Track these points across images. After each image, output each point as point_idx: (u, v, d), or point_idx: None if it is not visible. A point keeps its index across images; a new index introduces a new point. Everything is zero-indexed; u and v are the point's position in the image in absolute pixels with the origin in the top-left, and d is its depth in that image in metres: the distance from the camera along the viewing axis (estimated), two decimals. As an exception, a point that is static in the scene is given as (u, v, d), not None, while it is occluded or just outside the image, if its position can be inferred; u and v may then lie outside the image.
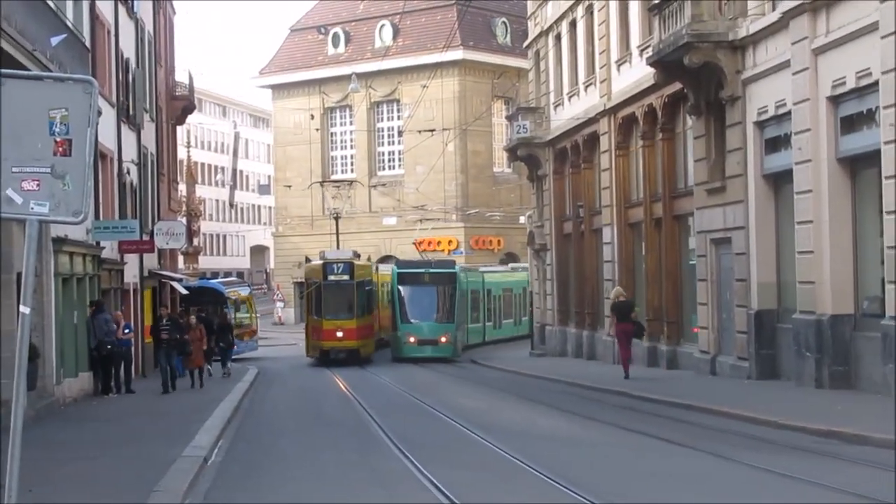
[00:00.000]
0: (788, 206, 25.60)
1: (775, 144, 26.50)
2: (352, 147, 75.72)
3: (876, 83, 21.38)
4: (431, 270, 48.99)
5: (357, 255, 48.43)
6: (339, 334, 44.53)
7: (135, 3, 38.95)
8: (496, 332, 58.42)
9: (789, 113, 24.94)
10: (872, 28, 21.28)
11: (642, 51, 33.70)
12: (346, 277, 45.26)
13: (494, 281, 59.36)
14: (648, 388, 27.13)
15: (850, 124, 23.14)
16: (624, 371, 30.83)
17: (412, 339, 46.70)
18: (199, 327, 33.55)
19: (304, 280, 53.40)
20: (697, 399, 23.39)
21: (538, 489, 13.35)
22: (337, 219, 61.70)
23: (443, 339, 46.65)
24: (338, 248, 57.64)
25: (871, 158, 21.93)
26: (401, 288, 48.10)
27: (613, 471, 15.12)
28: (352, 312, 44.98)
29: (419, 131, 68.11)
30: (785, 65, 25.02)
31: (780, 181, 26.39)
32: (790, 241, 25.50)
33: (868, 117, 22.16)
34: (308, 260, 56.87)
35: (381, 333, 50.74)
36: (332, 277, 45.16)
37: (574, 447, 17.91)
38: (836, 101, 23.38)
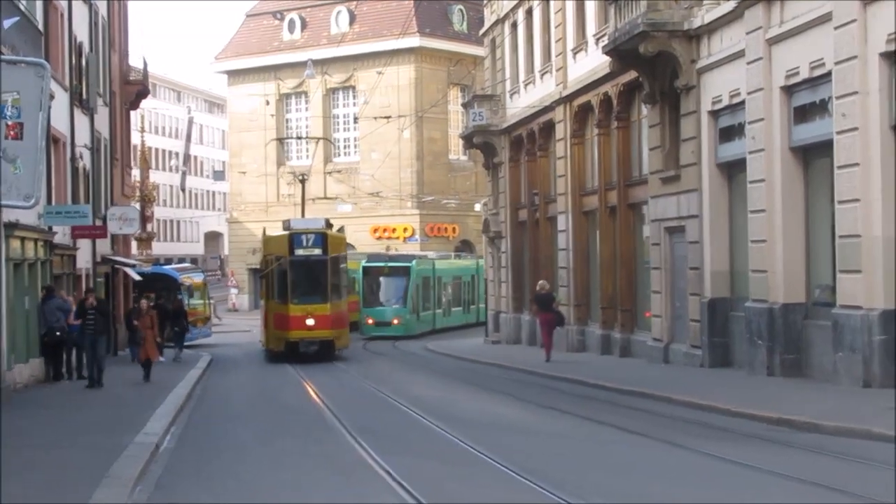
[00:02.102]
0: (742, 195, 25.78)
1: (729, 134, 26.65)
2: (306, 133, 75.49)
3: (829, 73, 21.55)
4: (390, 264, 56.66)
5: (329, 225, 38.87)
6: (310, 322, 35.88)
7: (88, -14, 38.73)
8: (446, 320, 59.76)
9: (743, 102, 25.11)
10: (826, 19, 21.44)
11: (598, 39, 33.79)
12: (317, 252, 36.66)
13: (444, 269, 61.09)
14: (607, 374, 27.27)
15: (802, 114, 23.31)
16: (545, 355, 33.23)
17: (370, 321, 54.85)
18: (151, 314, 31.10)
19: (263, 255, 41.42)
20: (651, 387, 23.45)
21: (494, 478, 13.37)
22: (303, 182, 59.32)
23: (395, 321, 54.57)
24: (303, 216, 53.14)
25: (824, 148, 22.11)
26: (365, 279, 55.74)
27: (568, 459, 15.14)
28: (325, 296, 36.58)
29: (375, 118, 68.01)
30: (739, 54, 25.17)
31: (733, 170, 26.56)
32: (743, 230, 25.69)
33: (821, 107, 22.32)
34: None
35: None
36: (300, 252, 36.51)
37: (529, 436, 17.92)
38: (789, 91, 23.55)
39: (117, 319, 40.89)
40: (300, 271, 36.82)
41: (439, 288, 60.41)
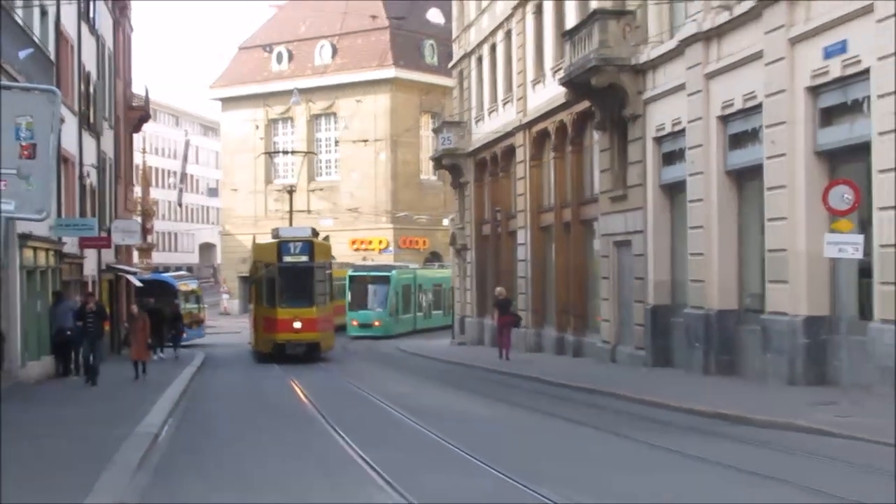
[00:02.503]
0: (682, 213, 25.89)
1: (671, 158, 26.76)
2: (292, 155, 75.33)
3: (760, 105, 21.72)
4: (373, 273, 57.90)
5: (316, 234, 37.43)
6: (297, 325, 34.40)
7: (96, 20, 38.61)
8: (426, 322, 59.99)
9: (684, 130, 25.23)
10: (758, 56, 21.61)
11: (555, 72, 33.87)
12: (304, 259, 35.06)
13: (426, 277, 62.17)
14: (561, 373, 27.22)
15: (737, 141, 23.47)
16: (502, 354, 33.73)
17: (355, 323, 55.72)
18: (143, 317, 30.22)
19: (253, 262, 39.95)
20: (600, 384, 23.46)
21: (458, 464, 13.41)
22: (291, 192, 58.24)
23: (376, 323, 55.24)
24: (291, 222, 52.54)
25: (755, 172, 22.25)
26: (351, 286, 56.29)
27: (522, 447, 15.18)
28: (311, 300, 34.94)
29: (354, 142, 68.57)
30: (681, 87, 25.29)
31: (674, 191, 26.68)
32: (683, 245, 25.78)
33: (753, 135, 22.49)
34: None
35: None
36: (288, 259, 34.90)
37: (488, 427, 17.94)
38: (725, 120, 23.69)
39: (121, 321, 40.79)
40: (288, 277, 35.05)
41: (420, 294, 61.16)
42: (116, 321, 37.96)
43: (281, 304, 34.68)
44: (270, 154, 70.56)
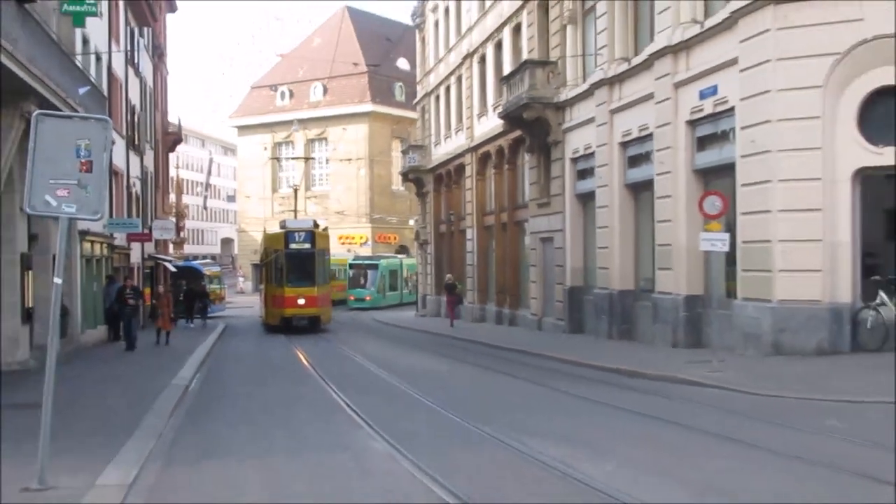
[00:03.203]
0: (591, 216, 26.00)
1: (583, 174, 26.87)
2: (293, 170, 75.02)
3: (651, 134, 21.84)
4: (366, 262, 59.87)
5: (317, 225, 35.48)
6: (301, 301, 32.87)
7: (139, 65, 38.39)
8: (406, 298, 60.07)
9: (593, 153, 25.34)
10: (650, 97, 21.73)
11: (495, 108, 33.90)
12: (307, 246, 33.34)
13: (406, 265, 62.60)
14: (497, 338, 27.28)
15: (634, 161, 23.59)
16: (450, 322, 35.41)
17: (353, 298, 57.28)
18: (168, 296, 30.07)
19: (263, 248, 38.49)
20: (529, 346, 23.55)
21: (420, 408, 13.45)
22: (296, 190, 57.48)
23: (367, 298, 56.88)
24: (295, 217, 50.68)
25: (647, 185, 22.37)
26: (350, 271, 58.82)
27: (469, 395, 15.20)
28: (313, 280, 33.30)
29: (340, 160, 68.38)
30: (591, 120, 25.40)
31: (586, 199, 26.73)
32: (592, 240, 25.89)
33: (646, 157, 22.60)
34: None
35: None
36: (293, 246, 33.20)
37: (442, 379, 17.98)
38: (624, 145, 23.82)
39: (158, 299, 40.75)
40: (294, 261, 33.06)
41: (401, 277, 61.67)
42: (155, 298, 37.78)
43: (288, 284, 32.99)
44: (278, 159, 70.22)
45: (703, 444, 9.92)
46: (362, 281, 58.33)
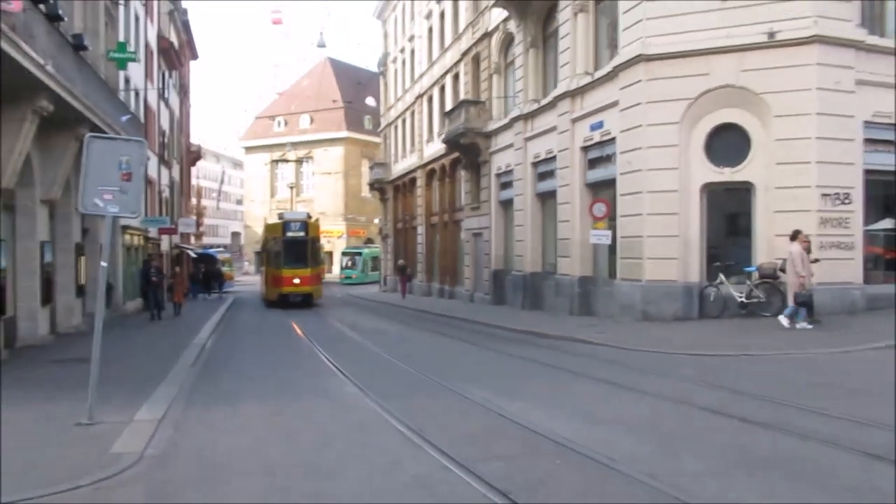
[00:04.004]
0: (511, 217, 26.14)
1: (505, 186, 26.98)
2: (286, 180, 74.09)
3: (555, 157, 22.00)
4: (353, 250, 60.99)
5: (310, 217, 32.68)
6: (297, 281, 30.45)
7: (169, 99, 37.72)
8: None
9: (512, 170, 25.46)
10: (554, 128, 21.88)
11: (439, 134, 33.90)
12: (302, 234, 30.74)
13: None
14: (439, 308, 27.27)
15: (542, 177, 23.74)
16: (402, 296, 35.57)
17: (343, 276, 58.23)
18: (181, 274, 28.86)
19: (264, 236, 35.43)
20: (463, 315, 23.62)
21: (382, 362, 13.40)
22: (293, 188, 55.84)
23: (353, 276, 57.65)
24: (291, 209, 47.79)
25: (552, 194, 22.52)
26: (343, 257, 60.38)
27: (418, 349, 15.18)
28: (306, 263, 30.65)
29: (322, 174, 67.72)
30: (511, 145, 25.51)
31: (507, 205, 26.84)
32: (511, 235, 26.05)
33: (551, 173, 22.76)
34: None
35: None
36: (290, 234, 30.69)
37: (398, 339, 17.89)
38: (535, 164, 23.96)
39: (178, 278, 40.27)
40: (290, 247, 30.47)
41: (379, 261, 60.94)
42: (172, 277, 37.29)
43: (285, 266, 30.46)
44: (276, 162, 68.20)
45: (589, 386, 10.04)
46: (351, 264, 59.37)
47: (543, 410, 8.31)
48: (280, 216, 32.85)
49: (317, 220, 32.99)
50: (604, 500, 5.37)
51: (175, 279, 26.76)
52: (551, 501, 5.28)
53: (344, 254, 61.42)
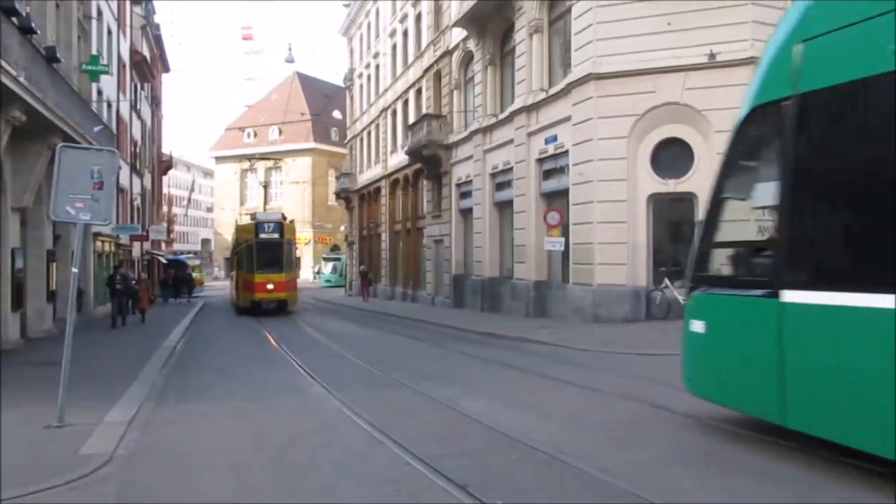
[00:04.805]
0: (470, 225, 26.22)
1: (465, 195, 27.07)
2: (256, 189, 73.40)
3: (512, 168, 22.13)
4: (332, 256, 61.55)
5: (284, 217, 28.73)
6: (270, 286, 26.71)
7: (141, 110, 37.05)
8: None
9: (472, 181, 25.55)
10: (511, 141, 22.02)
11: (403, 146, 33.87)
12: (276, 236, 26.95)
13: None
14: (402, 311, 27.18)
15: (500, 187, 23.88)
16: (365, 299, 35.57)
17: (323, 280, 58.87)
18: (147, 281, 26.98)
19: (235, 238, 31.65)
20: (425, 317, 23.53)
21: (345, 361, 13.28)
22: (266, 187, 50.45)
23: (332, 280, 57.33)
24: (265, 206, 44.77)
25: (509, 203, 22.66)
26: (323, 262, 61.51)
27: (380, 351, 15.02)
28: (281, 267, 26.86)
29: (291, 183, 67.17)
30: (470, 157, 25.61)
31: (466, 213, 26.92)
32: (470, 242, 26.12)
33: (508, 184, 22.91)
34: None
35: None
36: (263, 236, 26.80)
37: (360, 339, 17.75)
38: (493, 176, 24.08)
39: (153, 284, 39.49)
40: (264, 249, 26.66)
41: (350, 267, 61.67)
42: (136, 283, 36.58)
43: (258, 270, 26.62)
44: (249, 158, 66.30)
45: (542, 384, 10.08)
46: (330, 269, 59.81)
47: (500, 408, 8.30)
48: (252, 216, 29.08)
49: (292, 221, 29.70)
50: (559, 492, 5.39)
51: (140, 285, 24.81)
52: (509, 493, 5.28)
53: (325, 259, 61.87)
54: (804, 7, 5.89)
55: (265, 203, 43.93)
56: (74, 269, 7.89)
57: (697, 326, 6.70)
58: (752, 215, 6.39)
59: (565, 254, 18.55)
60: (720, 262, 6.74)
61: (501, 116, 22.92)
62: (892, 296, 4.80)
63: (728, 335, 6.37)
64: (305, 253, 67.29)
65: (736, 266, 6.58)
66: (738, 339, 6.21)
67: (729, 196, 6.63)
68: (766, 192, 6.03)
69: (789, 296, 5.58)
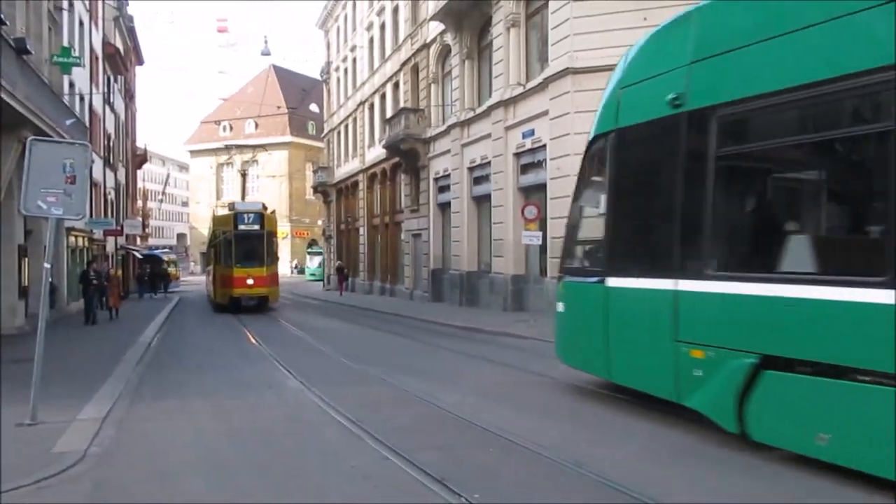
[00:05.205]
0: (448, 219, 26.25)
1: (443, 189, 27.10)
2: (232, 182, 72.78)
3: (490, 162, 22.19)
4: (315, 250, 61.13)
5: (265, 207, 26.25)
6: (250, 282, 24.75)
7: (114, 103, 36.57)
8: None
9: (450, 175, 25.57)
10: (489, 136, 22.07)
11: (380, 140, 33.79)
12: (256, 227, 24.87)
13: None
14: (380, 305, 27.13)
15: (477, 181, 23.94)
16: (340, 294, 35.79)
17: (308, 274, 59.44)
18: (117, 276, 25.50)
19: (212, 230, 28.83)
20: (403, 311, 23.50)
21: (322, 356, 13.22)
22: (244, 175, 46.32)
23: (316, 273, 57.67)
24: (243, 199, 45.52)
25: (487, 197, 22.75)
26: (308, 256, 61.84)
27: (357, 345, 14.98)
28: (262, 261, 24.90)
29: (267, 177, 66.60)
30: (448, 151, 25.63)
31: (445, 207, 26.95)
32: (448, 236, 26.17)
33: (486, 178, 22.99)
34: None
35: None
36: (242, 227, 24.75)
37: (337, 334, 17.70)
38: (472, 170, 24.13)
39: (128, 280, 39.10)
40: (243, 242, 24.64)
41: (328, 261, 62.09)
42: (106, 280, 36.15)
43: (237, 265, 24.64)
44: (228, 148, 65.24)
45: (523, 378, 10.14)
46: (316, 263, 59.86)
47: (477, 401, 8.33)
48: (231, 206, 26.85)
49: (273, 211, 27.32)
50: (535, 484, 5.42)
51: (110, 281, 23.22)
52: (486, 487, 5.30)
53: (310, 253, 62.13)
54: (625, 61, 7.69)
55: (243, 193, 43.19)
56: (47, 265, 7.77)
57: (560, 307, 8.58)
58: (595, 220, 8.07)
59: (543, 248, 18.63)
60: (576, 257, 8.53)
61: (479, 110, 22.94)
62: (671, 280, 6.53)
63: (578, 313, 8.20)
64: (283, 247, 66.92)
65: (583, 259, 8.40)
66: (584, 317, 7.99)
67: (582, 204, 8.47)
68: (601, 202, 7.87)
69: (611, 282, 7.38)
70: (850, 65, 5.08)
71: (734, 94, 6.02)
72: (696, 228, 6.33)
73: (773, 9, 5.79)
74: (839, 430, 5.18)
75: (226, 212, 26.82)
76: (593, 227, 8.04)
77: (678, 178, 6.52)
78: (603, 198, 7.71)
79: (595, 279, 7.60)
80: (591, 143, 8.18)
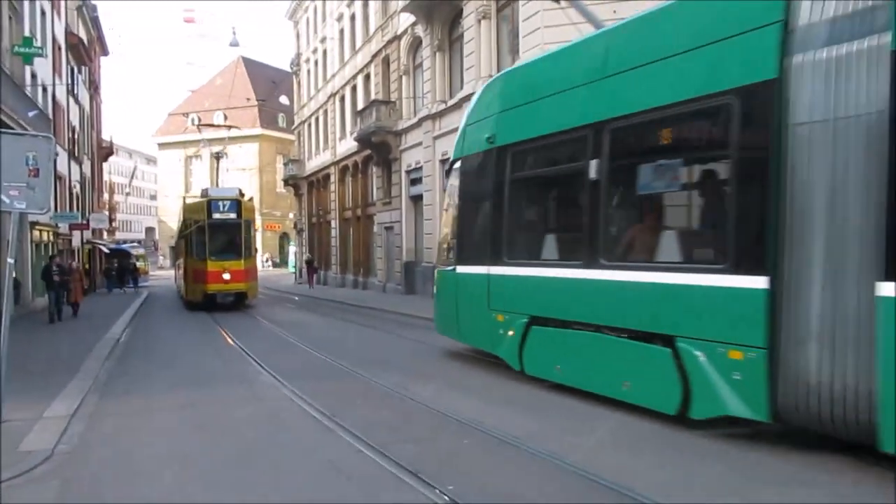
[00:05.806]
0: (420, 212, 26.21)
1: (414, 182, 27.02)
2: (201, 175, 71.88)
3: (461, 154, 22.26)
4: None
5: (242, 194, 23.49)
6: (227, 276, 22.19)
7: (78, 95, 35.86)
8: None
9: (422, 167, 25.52)
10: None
11: (352, 133, 33.61)
12: (232, 216, 22.24)
13: None
14: (353, 298, 27.02)
15: (449, 173, 23.93)
16: (311, 286, 35.99)
17: (290, 266, 54.96)
18: (80, 271, 23.98)
19: (183, 219, 24.98)
20: (374, 304, 23.41)
21: (293, 349, 13.16)
22: (218, 158, 41.80)
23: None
24: (216, 185, 38.53)
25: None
26: (290, 249, 58.04)
27: (328, 338, 14.91)
28: (239, 253, 22.34)
29: (238, 170, 65.88)
30: (420, 143, 25.55)
31: (416, 200, 26.88)
32: (421, 228, 26.13)
33: (457, 170, 23.05)
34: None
35: None
36: (217, 216, 22.11)
37: (308, 327, 17.59)
38: (444, 162, 24.07)
39: (95, 275, 38.49)
40: (217, 232, 22.13)
41: (299, 254, 61.64)
42: (92, 274, 35.48)
43: (211, 257, 22.07)
44: (202, 138, 64.55)
45: (488, 369, 10.17)
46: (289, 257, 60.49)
47: (449, 393, 8.37)
48: (204, 193, 23.77)
49: (250, 199, 24.80)
50: (508, 475, 5.46)
51: (72, 276, 21.38)
52: (460, 478, 5.32)
53: (293, 246, 62.04)
54: (471, 103, 10.27)
55: (216, 179, 41.98)
56: (10, 260, 7.63)
57: (435, 291, 11.49)
58: (452, 224, 10.73)
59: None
60: (443, 252, 11.28)
61: (451, 103, 22.91)
62: (485, 267, 9.42)
63: (443, 295, 11.00)
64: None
65: (447, 253, 10.95)
66: (446, 297, 10.81)
67: (446, 210, 11.43)
68: (456, 211, 10.62)
69: (459, 269, 10.21)
70: (566, 123, 7.87)
71: (518, 136, 8.84)
72: (498, 229, 9.16)
73: (533, 81, 8.66)
74: (565, 362, 8.01)
75: (198, 199, 23.87)
76: (452, 229, 10.78)
77: (490, 194, 9.35)
78: (455, 208, 10.56)
79: (451, 268, 10.45)
80: (450, 165, 10.76)
